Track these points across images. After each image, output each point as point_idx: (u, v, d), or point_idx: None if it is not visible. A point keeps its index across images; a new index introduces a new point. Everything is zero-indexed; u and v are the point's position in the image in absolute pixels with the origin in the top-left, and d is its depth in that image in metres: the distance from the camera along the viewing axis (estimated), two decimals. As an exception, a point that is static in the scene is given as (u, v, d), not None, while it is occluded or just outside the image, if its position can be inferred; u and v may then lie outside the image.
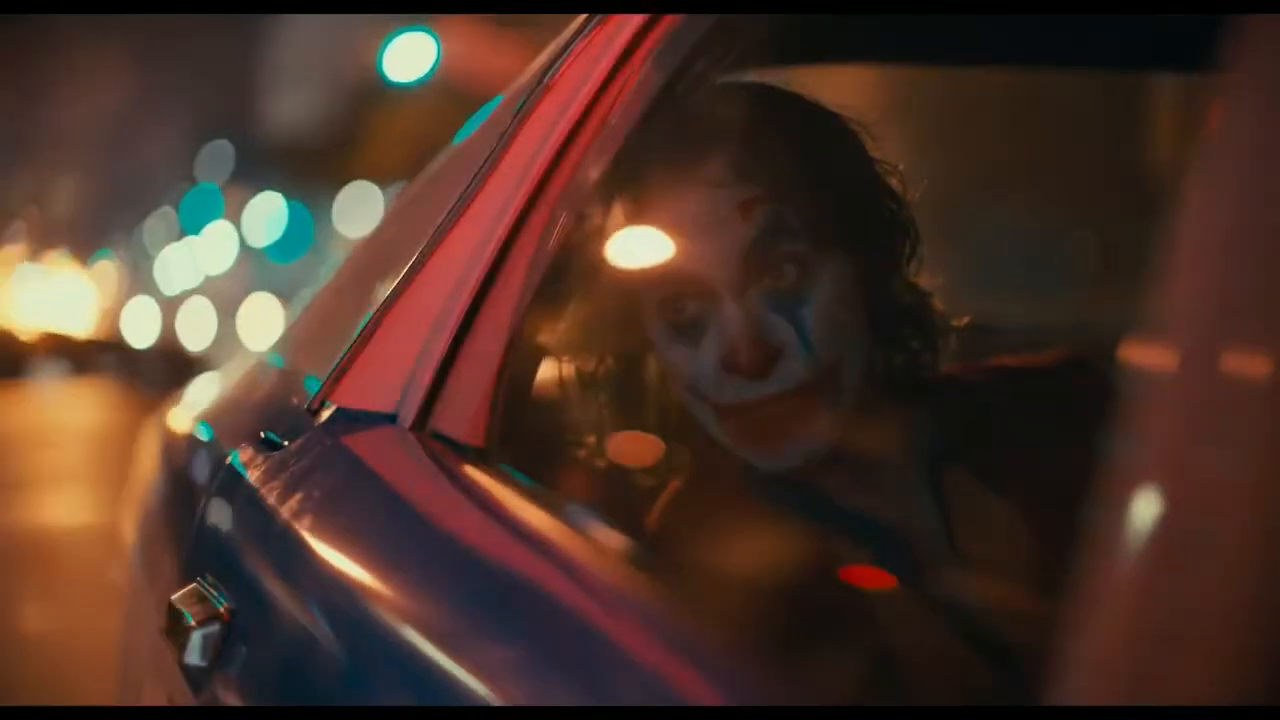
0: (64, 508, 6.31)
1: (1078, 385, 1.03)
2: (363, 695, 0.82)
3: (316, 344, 1.39)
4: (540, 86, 1.12)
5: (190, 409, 1.64)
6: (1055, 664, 0.39)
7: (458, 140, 1.39)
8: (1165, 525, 0.37)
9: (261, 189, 21.98)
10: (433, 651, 0.79)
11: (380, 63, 19.57)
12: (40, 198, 28.30)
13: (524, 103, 1.13)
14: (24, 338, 21.57)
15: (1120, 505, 0.38)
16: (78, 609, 4.03)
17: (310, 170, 20.24)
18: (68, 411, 12.58)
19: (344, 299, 1.44)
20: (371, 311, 1.17)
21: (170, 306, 23.57)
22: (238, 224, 22.63)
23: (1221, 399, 0.36)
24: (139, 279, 26.10)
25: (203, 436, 1.46)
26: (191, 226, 24.93)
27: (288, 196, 21.38)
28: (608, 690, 0.66)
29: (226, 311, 20.91)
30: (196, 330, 21.51)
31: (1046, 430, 0.99)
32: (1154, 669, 0.36)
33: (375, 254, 1.44)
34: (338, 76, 19.77)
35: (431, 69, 18.61)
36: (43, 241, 28.20)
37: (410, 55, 19.02)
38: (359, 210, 17.97)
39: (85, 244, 28.18)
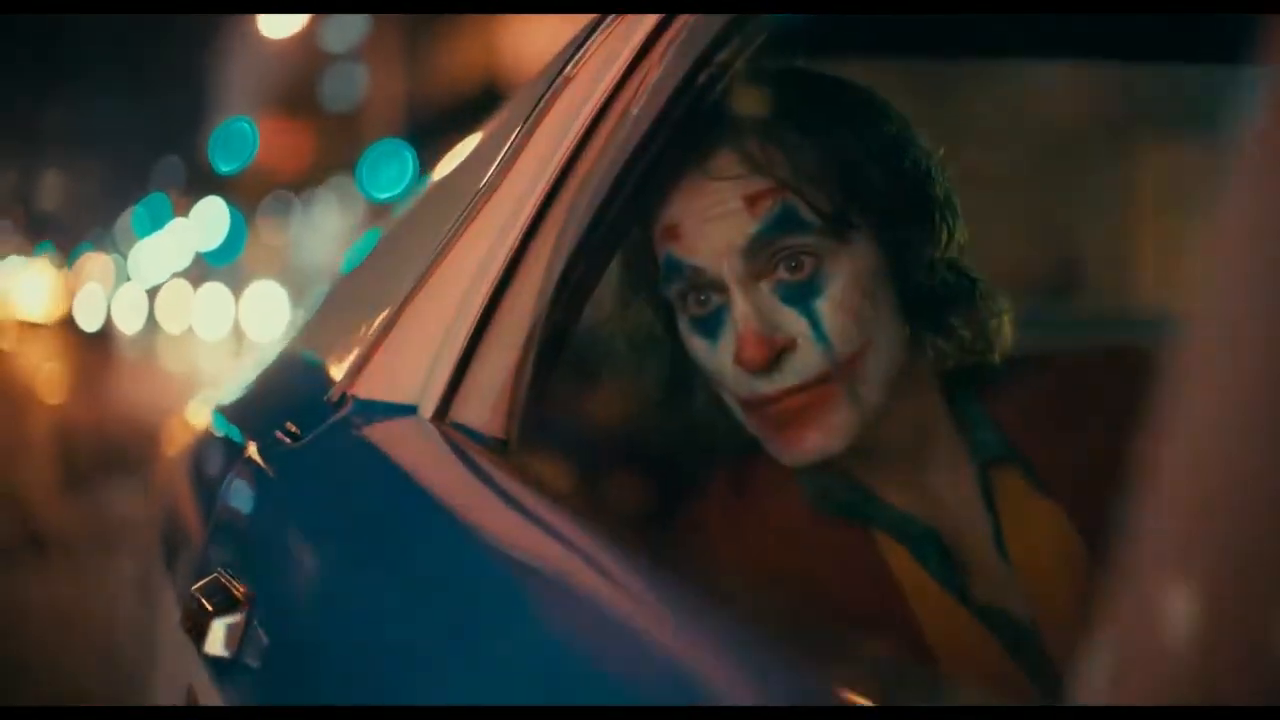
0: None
1: (1133, 377, 0.99)
2: (380, 686, 0.82)
3: (338, 335, 1.39)
4: (560, 78, 1.11)
5: (211, 401, 1.65)
6: (1095, 660, 0.38)
7: (481, 132, 1.38)
8: (1212, 521, 0.36)
9: (203, 197, 26.91)
10: (450, 642, 0.79)
11: (211, 153, 25.63)
12: (25, 197, 34.81)
13: (545, 94, 1.12)
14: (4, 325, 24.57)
15: (1167, 500, 0.37)
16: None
17: (243, 182, 24.59)
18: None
19: (366, 290, 1.44)
20: (393, 302, 1.17)
21: (121, 295, 28.17)
22: (187, 228, 27.87)
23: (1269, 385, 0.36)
24: (103, 271, 31.18)
25: (222, 428, 1.46)
26: (145, 229, 31.33)
27: (228, 203, 25.81)
28: (629, 684, 0.65)
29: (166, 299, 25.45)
30: (131, 316, 25.62)
31: (1101, 425, 0.97)
32: (1197, 666, 0.35)
33: (397, 245, 1.44)
34: (268, 101, 24.26)
35: (249, 156, 23.78)
36: (27, 236, 33.77)
37: (232, 143, 24.58)
38: (280, 215, 22.00)
39: (65, 240, 34.20)
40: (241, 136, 24.20)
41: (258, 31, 22.00)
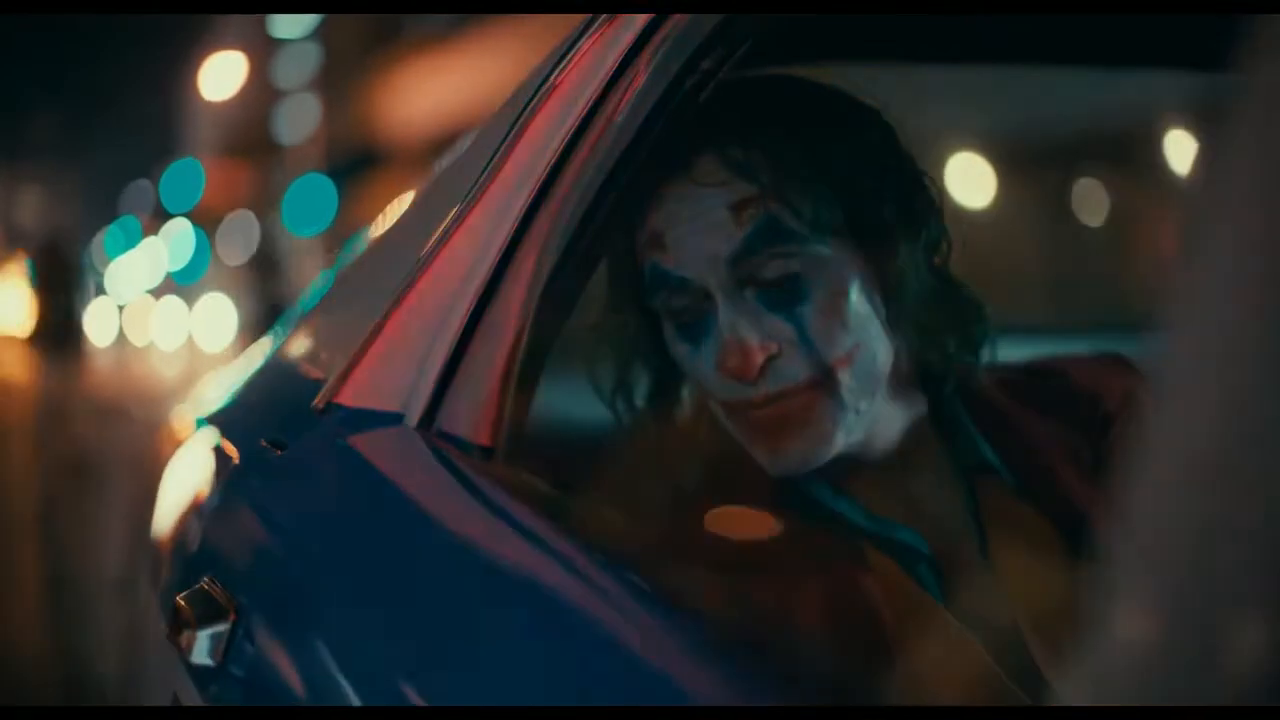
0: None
1: (1116, 387, 1.00)
2: (368, 694, 0.82)
3: (324, 344, 1.39)
4: (545, 86, 1.12)
5: (197, 409, 1.64)
6: (1079, 663, 0.38)
7: (466, 140, 1.38)
8: (1193, 525, 0.36)
9: (171, 219, 29.68)
10: (438, 651, 0.79)
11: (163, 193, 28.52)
12: (4, 218, 36.55)
13: (529, 102, 1.12)
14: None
15: (1149, 505, 0.37)
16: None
17: (204, 205, 26.94)
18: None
19: (351, 299, 1.44)
20: (379, 311, 1.17)
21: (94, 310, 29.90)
22: (157, 247, 30.82)
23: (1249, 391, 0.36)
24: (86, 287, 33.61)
25: (208, 437, 1.46)
26: (118, 249, 34.49)
27: (194, 225, 28.16)
28: (614, 690, 0.65)
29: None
30: (103, 330, 27.07)
31: (1084, 434, 0.97)
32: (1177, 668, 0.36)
33: (383, 253, 1.44)
34: (218, 138, 26.74)
35: (198, 194, 26.21)
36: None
37: (182, 182, 27.49)
38: (239, 237, 23.50)
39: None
40: (189, 176, 27.02)
41: (209, 77, 24.54)
